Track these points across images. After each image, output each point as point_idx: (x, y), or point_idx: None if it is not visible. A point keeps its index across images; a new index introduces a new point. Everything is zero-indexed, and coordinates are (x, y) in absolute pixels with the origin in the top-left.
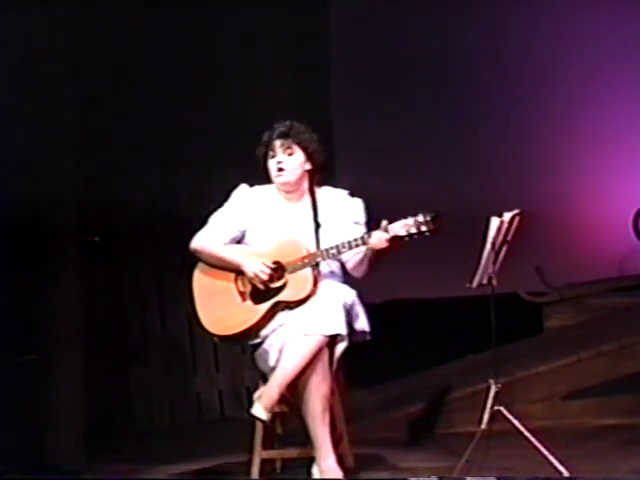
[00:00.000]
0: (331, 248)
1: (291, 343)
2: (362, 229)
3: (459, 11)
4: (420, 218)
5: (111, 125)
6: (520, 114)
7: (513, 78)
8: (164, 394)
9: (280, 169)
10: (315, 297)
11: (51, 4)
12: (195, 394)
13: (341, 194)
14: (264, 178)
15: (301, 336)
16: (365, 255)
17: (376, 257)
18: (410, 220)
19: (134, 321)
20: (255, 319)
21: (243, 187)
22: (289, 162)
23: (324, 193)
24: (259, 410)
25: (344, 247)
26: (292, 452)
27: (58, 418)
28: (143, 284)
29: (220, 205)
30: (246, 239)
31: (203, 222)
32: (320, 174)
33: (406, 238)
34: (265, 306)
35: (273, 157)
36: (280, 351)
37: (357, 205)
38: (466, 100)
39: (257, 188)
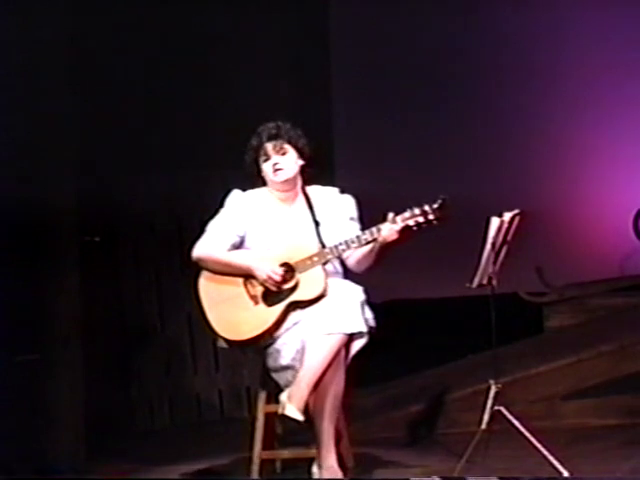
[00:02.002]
0: (340, 244)
1: (314, 342)
2: (357, 225)
3: (460, 10)
4: (427, 207)
5: (111, 125)
6: (521, 114)
7: (514, 78)
8: (164, 394)
9: (277, 169)
10: (332, 296)
11: (51, 4)
12: (195, 394)
13: (333, 191)
14: (257, 184)
15: (323, 335)
16: (371, 249)
17: (383, 250)
18: (417, 210)
19: (134, 321)
20: (271, 321)
21: (236, 192)
22: (285, 161)
23: (316, 192)
24: (293, 411)
25: (353, 242)
26: (292, 452)
27: (58, 418)
28: (143, 284)
29: (217, 208)
30: (245, 243)
31: (202, 224)
32: (311, 170)
33: (415, 228)
34: (280, 308)
35: (267, 160)
36: (297, 350)
37: (350, 201)
38: (466, 99)
39: (250, 192)
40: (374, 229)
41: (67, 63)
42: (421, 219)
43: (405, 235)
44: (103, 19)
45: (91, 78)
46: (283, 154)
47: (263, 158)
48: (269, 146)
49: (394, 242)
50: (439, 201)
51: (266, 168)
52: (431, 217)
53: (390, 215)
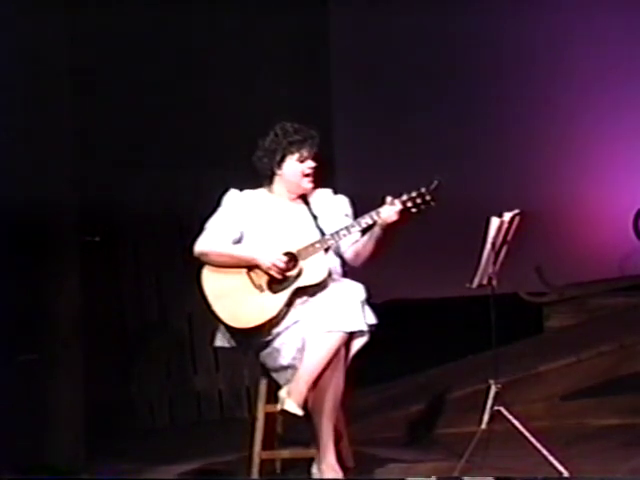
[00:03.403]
0: (341, 230)
1: (313, 340)
2: (352, 221)
3: (460, 10)
4: (423, 189)
5: (111, 125)
6: (521, 114)
7: (515, 78)
8: (164, 394)
9: (311, 174)
10: (333, 294)
11: (52, 4)
12: (195, 394)
13: (326, 191)
14: (264, 183)
15: (323, 333)
16: (370, 236)
17: (383, 236)
18: (413, 192)
19: (134, 321)
20: (279, 308)
21: (234, 191)
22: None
23: (310, 192)
24: (293, 406)
25: (354, 227)
26: (292, 452)
27: (58, 418)
28: (143, 284)
29: (215, 207)
30: (244, 240)
31: (202, 224)
32: None
33: (413, 209)
34: (286, 294)
35: (303, 162)
36: (298, 349)
37: (344, 200)
38: (466, 100)
39: (248, 192)
40: (373, 213)
41: (67, 63)
42: (419, 200)
43: (404, 217)
44: (104, 19)
45: (91, 78)
46: (316, 161)
47: (303, 160)
48: (312, 150)
49: (394, 224)
50: (435, 182)
51: (297, 168)
52: (428, 197)
53: (388, 198)
